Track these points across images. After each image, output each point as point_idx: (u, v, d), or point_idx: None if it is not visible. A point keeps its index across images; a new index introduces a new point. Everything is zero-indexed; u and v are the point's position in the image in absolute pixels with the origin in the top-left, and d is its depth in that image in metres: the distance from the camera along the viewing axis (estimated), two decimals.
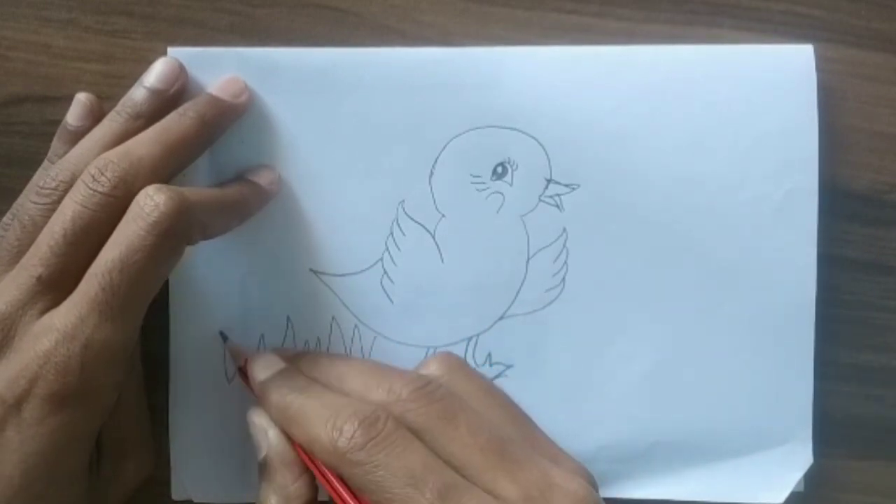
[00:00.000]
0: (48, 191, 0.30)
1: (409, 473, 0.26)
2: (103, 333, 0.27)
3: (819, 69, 0.34)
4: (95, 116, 0.33)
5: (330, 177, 0.34)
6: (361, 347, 0.35)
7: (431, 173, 0.34)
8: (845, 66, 0.35)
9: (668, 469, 0.35)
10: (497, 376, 0.35)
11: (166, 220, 0.28)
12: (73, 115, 0.33)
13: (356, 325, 0.35)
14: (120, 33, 0.35)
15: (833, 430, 0.35)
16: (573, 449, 0.34)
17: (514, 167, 0.34)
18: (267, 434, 0.30)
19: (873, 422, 0.36)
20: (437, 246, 0.34)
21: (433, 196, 0.34)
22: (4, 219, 0.31)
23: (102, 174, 0.29)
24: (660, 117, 0.34)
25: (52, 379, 0.27)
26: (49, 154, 0.33)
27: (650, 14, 0.35)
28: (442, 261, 0.35)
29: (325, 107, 0.34)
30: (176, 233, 0.28)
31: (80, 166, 0.30)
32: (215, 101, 0.32)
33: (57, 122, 0.33)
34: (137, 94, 0.32)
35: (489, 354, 0.35)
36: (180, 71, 0.33)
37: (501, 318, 0.35)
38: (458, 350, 0.35)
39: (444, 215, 0.34)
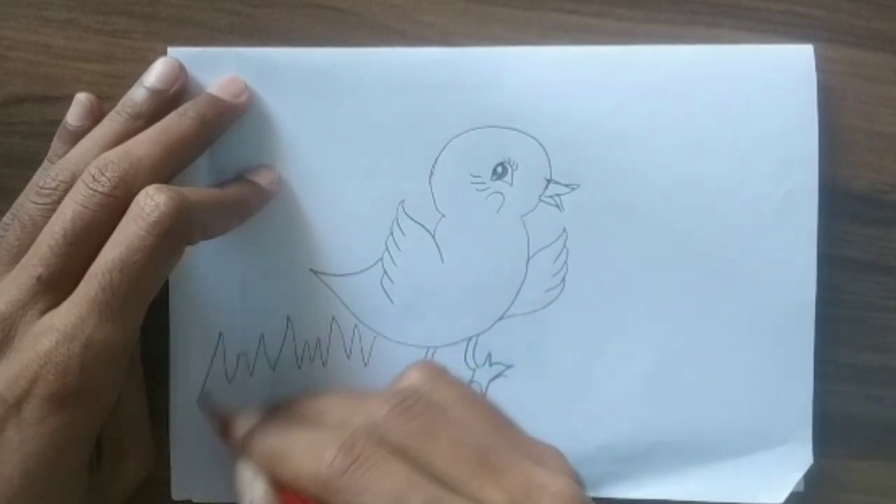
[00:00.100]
0: (48, 191, 0.30)
1: (394, 493, 0.25)
2: (103, 333, 0.27)
3: (819, 69, 0.34)
4: (95, 116, 0.33)
5: (330, 177, 0.34)
6: (361, 347, 0.35)
7: (431, 173, 0.34)
8: (845, 66, 0.35)
9: (668, 469, 0.35)
10: (497, 376, 0.35)
11: (166, 220, 0.28)
12: (73, 115, 0.33)
13: (356, 325, 0.35)
14: (120, 33, 0.35)
15: (833, 430, 0.35)
16: (573, 449, 0.34)
17: (514, 167, 0.34)
18: (253, 484, 0.29)
19: (873, 422, 0.36)
20: (437, 246, 0.34)
21: (433, 196, 0.34)
22: (4, 219, 0.31)
23: (102, 174, 0.29)
24: (660, 117, 0.34)
25: (52, 379, 0.27)
26: (49, 154, 0.33)
27: (650, 14, 0.35)
28: (442, 261, 0.35)
29: (325, 107, 0.34)
30: (176, 233, 0.28)
31: (80, 166, 0.30)
32: (215, 101, 0.32)
33: (57, 122, 0.33)
34: (137, 94, 0.32)
35: (489, 354, 0.35)
36: (180, 71, 0.33)
37: (501, 318, 0.35)
38: (458, 350, 0.35)
39: (444, 215, 0.34)
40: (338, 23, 0.35)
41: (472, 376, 0.35)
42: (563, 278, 0.35)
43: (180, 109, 0.32)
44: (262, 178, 0.33)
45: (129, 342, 0.29)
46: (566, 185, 0.34)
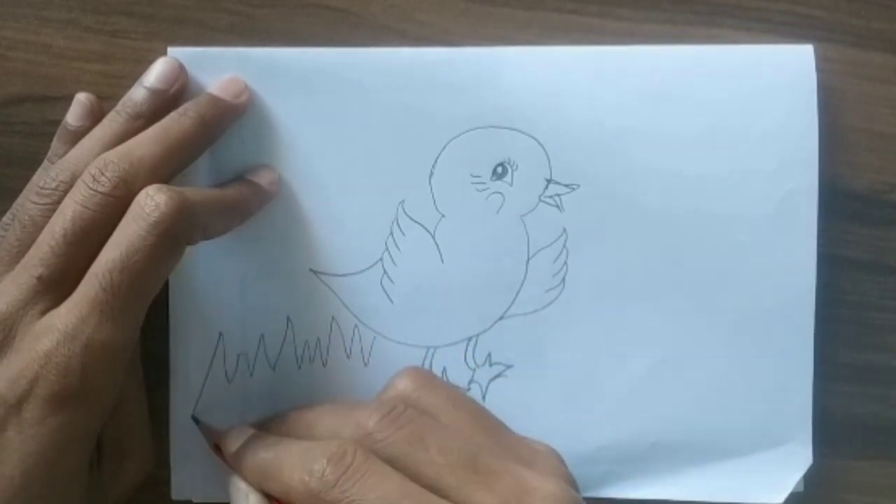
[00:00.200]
0: (48, 191, 0.30)
1: (385, 501, 0.26)
2: (104, 334, 0.27)
3: (819, 69, 0.34)
4: (95, 116, 0.33)
5: (330, 177, 0.34)
6: (361, 348, 0.35)
7: (431, 173, 0.34)
8: (845, 66, 0.35)
9: (668, 469, 0.35)
10: (497, 376, 0.35)
11: (167, 221, 0.28)
12: (73, 115, 0.33)
13: (356, 325, 0.35)
14: (120, 33, 0.35)
15: (833, 430, 0.35)
16: (573, 449, 0.34)
17: (514, 167, 0.34)
18: (248, 498, 0.29)
19: (873, 422, 0.36)
20: (437, 246, 0.34)
21: (433, 196, 0.34)
22: (4, 219, 0.31)
23: (103, 174, 0.29)
24: (660, 117, 0.34)
25: (52, 379, 0.27)
26: (49, 154, 0.33)
27: (650, 14, 0.35)
28: (442, 261, 0.35)
29: (325, 107, 0.34)
30: (176, 233, 0.28)
31: (80, 166, 0.30)
32: (215, 101, 0.32)
33: (57, 122, 0.33)
34: (137, 94, 0.32)
35: (489, 354, 0.35)
36: (180, 71, 0.33)
37: (501, 318, 0.35)
38: (458, 350, 0.35)
39: (444, 215, 0.34)
40: (338, 23, 0.35)
41: (472, 376, 0.35)
42: (563, 278, 0.35)
43: (180, 109, 0.32)
44: (262, 179, 0.33)
45: (129, 342, 0.29)
46: (566, 185, 0.34)
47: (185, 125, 0.31)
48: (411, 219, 0.34)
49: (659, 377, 0.34)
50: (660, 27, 0.35)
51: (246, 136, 0.34)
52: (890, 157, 0.35)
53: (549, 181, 0.34)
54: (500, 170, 0.34)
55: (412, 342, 0.35)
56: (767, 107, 0.34)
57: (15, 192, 0.32)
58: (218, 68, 0.33)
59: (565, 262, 0.35)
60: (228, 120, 0.33)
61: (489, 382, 0.35)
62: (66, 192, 0.29)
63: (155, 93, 0.32)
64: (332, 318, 0.35)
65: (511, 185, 0.34)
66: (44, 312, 0.28)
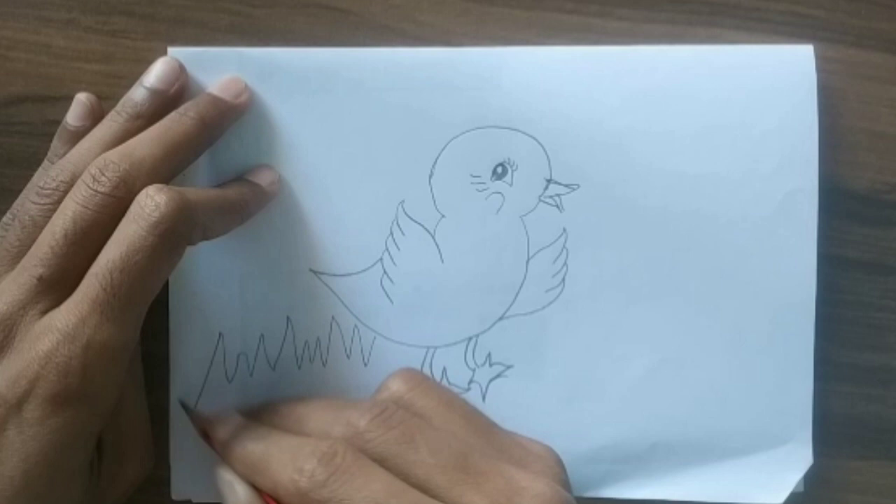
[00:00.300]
0: (48, 191, 0.30)
1: (373, 502, 0.26)
2: (104, 334, 0.27)
3: (819, 69, 0.34)
4: (95, 116, 0.33)
5: (330, 177, 0.34)
6: (361, 348, 0.35)
7: (431, 173, 0.34)
8: (845, 66, 0.35)
9: (668, 469, 0.35)
10: (497, 376, 0.35)
11: (167, 221, 0.28)
12: (73, 115, 0.33)
13: (356, 326, 0.35)
14: (120, 33, 0.35)
15: (833, 430, 0.35)
16: (573, 449, 0.34)
17: (514, 167, 0.34)
18: (234, 489, 0.30)
19: (873, 422, 0.36)
20: (437, 246, 0.35)
21: (433, 196, 0.34)
22: (4, 219, 0.31)
23: (103, 174, 0.29)
24: (660, 117, 0.34)
25: (53, 379, 0.27)
26: (49, 154, 0.33)
27: (650, 14, 0.35)
28: (442, 261, 0.35)
29: (325, 107, 0.34)
30: (177, 233, 0.28)
31: (81, 166, 0.30)
32: (216, 101, 0.32)
33: (57, 122, 0.33)
34: (137, 94, 0.32)
35: (489, 354, 0.35)
36: (180, 71, 0.33)
37: (501, 318, 0.35)
38: (458, 350, 0.35)
39: (444, 215, 0.34)
40: (338, 23, 0.35)
41: (472, 376, 0.35)
42: (563, 278, 0.35)
43: (181, 109, 0.32)
44: (263, 179, 0.33)
45: (129, 342, 0.29)
46: (566, 186, 0.34)
47: (186, 125, 0.31)
48: (411, 219, 0.34)
49: (659, 377, 0.34)
50: (660, 27, 0.35)
51: (246, 136, 0.34)
52: (890, 157, 0.35)
53: (549, 181, 0.34)
54: (500, 170, 0.34)
55: (412, 342, 0.35)
56: (767, 107, 0.34)
57: (15, 192, 0.32)
58: (218, 68, 0.33)
59: (565, 263, 0.35)
60: (228, 120, 0.33)
61: (489, 382, 0.35)
62: (66, 192, 0.29)
63: (155, 93, 0.32)
64: (332, 318, 0.35)
65: (511, 185, 0.34)
66: (44, 312, 0.28)
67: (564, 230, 0.34)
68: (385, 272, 0.34)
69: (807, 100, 0.34)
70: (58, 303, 0.28)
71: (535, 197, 0.34)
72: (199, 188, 0.33)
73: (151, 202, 0.28)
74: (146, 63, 0.33)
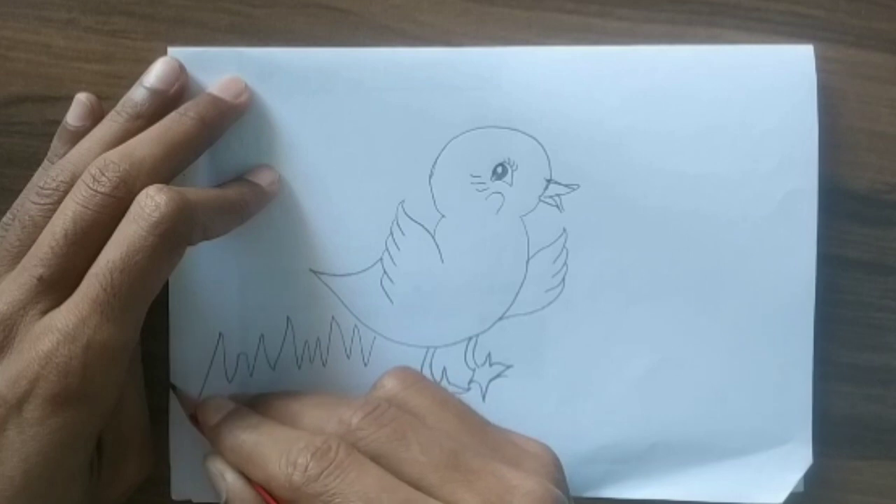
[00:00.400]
0: (48, 191, 0.30)
1: (365, 497, 0.26)
2: (104, 334, 0.27)
3: (819, 69, 0.34)
4: (95, 116, 0.33)
5: (330, 177, 0.34)
6: (361, 348, 0.35)
7: (431, 173, 0.34)
8: (845, 66, 0.35)
9: (668, 469, 0.35)
10: (497, 376, 0.35)
11: (167, 221, 0.28)
12: (73, 115, 0.33)
13: (356, 326, 0.35)
14: (120, 33, 0.35)
15: (833, 430, 0.35)
16: (573, 449, 0.34)
17: (514, 167, 0.34)
18: (224, 477, 0.30)
19: (873, 422, 0.36)
20: (437, 246, 0.35)
21: (433, 196, 0.34)
22: (4, 219, 0.31)
23: (103, 174, 0.29)
24: (660, 117, 0.34)
25: (53, 380, 0.27)
26: (49, 154, 0.33)
27: (650, 14, 0.35)
28: (442, 261, 0.35)
29: (325, 107, 0.34)
30: (177, 233, 0.28)
31: (81, 166, 0.30)
32: (216, 101, 0.32)
33: (57, 122, 0.33)
34: (137, 94, 0.32)
35: (489, 354, 0.35)
36: (180, 71, 0.33)
37: (501, 318, 0.35)
38: (458, 350, 0.35)
39: (444, 215, 0.34)
40: (338, 23, 0.35)
41: (472, 376, 0.35)
42: (563, 278, 0.35)
43: (181, 109, 0.32)
44: (263, 179, 0.33)
45: (129, 343, 0.29)
46: (566, 186, 0.34)
47: (186, 125, 0.31)
48: (411, 219, 0.34)
49: (659, 377, 0.34)
50: (660, 27, 0.35)
51: (246, 136, 0.34)
52: (890, 157, 0.35)
53: (549, 181, 0.34)
54: (500, 170, 0.34)
55: (412, 342, 0.35)
56: (767, 107, 0.34)
57: (15, 192, 0.32)
58: (218, 68, 0.33)
59: (565, 262, 0.35)
60: (228, 120, 0.33)
61: (489, 382, 0.35)
62: (66, 192, 0.29)
63: (155, 93, 0.32)
64: (332, 318, 0.35)
65: (511, 185, 0.34)
66: (44, 313, 0.28)
67: (564, 230, 0.34)
68: (385, 272, 0.34)
69: (807, 100, 0.34)
70: (58, 303, 0.28)
71: (535, 197, 0.34)
72: (199, 188, 0.33)
73: (151, 202, 0.28)
74: (146, 63, 0.33)
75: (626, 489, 0.35)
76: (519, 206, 0.34)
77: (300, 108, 0.34)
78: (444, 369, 0.35)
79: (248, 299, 0.35)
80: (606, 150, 0.34)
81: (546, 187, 0.34)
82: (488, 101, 0.34)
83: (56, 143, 0.33)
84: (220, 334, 0.35)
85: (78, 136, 0.32)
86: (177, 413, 0.34)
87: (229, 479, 0.30)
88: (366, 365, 0.35)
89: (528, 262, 0.34)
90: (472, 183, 0.34)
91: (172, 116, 0.31)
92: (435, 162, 0.34)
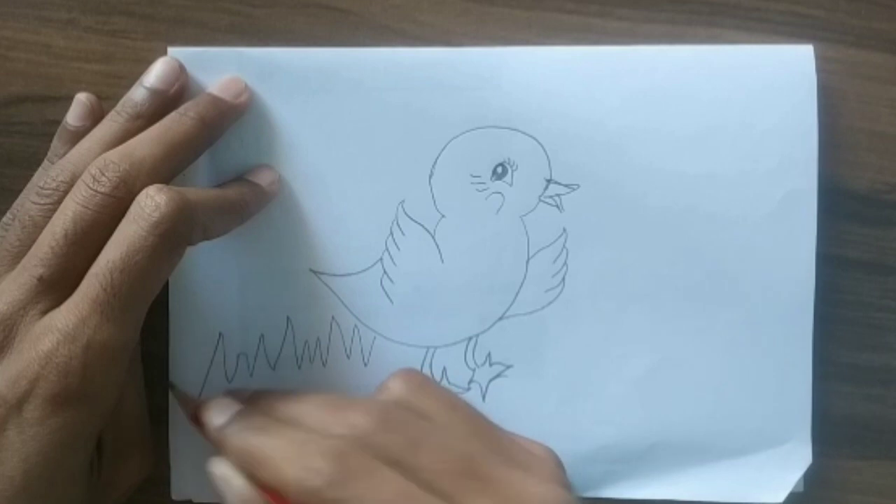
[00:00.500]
0: (48, 191, 0.30)
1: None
2: (104, 334, 0.27)
3: (819, 69, 0.34)
4: (95, 116, 0.33)
5: (330, 177, 0.34)
6: (361, 348, 0.35)
7: (431, 173, 0.34)
8: (845, 66, 0.35)
9: (668, 469, 0.35)
10: (497, 376, 0.35)
11: (167, 221, 0.28)
12: (73, 115, 0.33)
13: (356, 326, 0.35)
14: (120, 33, 0.35)
15: (833, 430, 0.35)
16: (572, 449, 0.34)
17: (514, 167, 0.34)
18: (231, 483, 0.28)
19: (873, 422, 0.36)
20: (437, 246, 0.35)
21: (433, 196, 0.34)
22: (4, 219, 0.31)
23: (103, 174, 0.29)
24: (660, 117, 0.34)
25: (53, 380, 0.27)
26: (49, 154, 0.33)
27: (650, 14, 0.35)
28: (442, 261, 0.35)
29: (325, 107, 0.34)
30: (177, 233, 0.28)
31: (81, 166, 0.30)
32: (216, 101, 0.32)
33: (57, 122, 0.33)
34: (137, 94, 0.32)
35: (489, 354, 0.35)
36: (180, 71, 0.33)
37: (501, 318, 0.35)
38: (458, 350, 0.35)
39: (444, 215, 0.34)
40: (338, 23, 0.35)
41: (472, 376, 0.35)
42: (563, 278, 0.35)
43: (181, 109, 0.31)
44: (263, 179, 0.33)
45: (129, 342, 0.29)
46: (566, 185, 0.34)
47: (186, 125, 0.31)
48: (411, 219, 0.34)
49: (659, 377, 0.34)
50: (660, 27, 0.35)
51: (246, 136, 0.34)
52: (890, 157, 0.35)
53: (549, 181, 0.34)
54: (500, 170, 0.34)
55: (412, 342, 0.35)
56: (767, 107, 0.34)
57: (15, 192, 0.32)
58: (218, 68, 0.33)
59: (565, 262, 0.35)
60: (228, 120, 0.33)
61: (489, 382, 0.35)
62: (66, 192, 0.29)
63: (155, 93, 0.32)
64: (332, 318, 0.35)
65: (511, 185, 0.34)
66: (44, 313, 0.28)
67: (564, 230, 0.34)
68: (385, 272, 0.34)
69: (807, 100, 0.34)
70: (58, 303, 0.28)
71: (535, 197, 0.34)
72: (199, 188, 0.33)
73: (151, 202, 0.28)
74: (146, 63, 0.33)
75: (626, 489, 0.35)
76: (519, 206, 0.34)
77: (300, 108, 0.34)
78: (444, 369, 0.35)
79: (248, 299, 0.35)
80: (606, 150, 0.34)
81: (546, 187, 0.34)
82: (488, 101, 0.34)
83: (56, 143, 0.33)
84: (220, 334, 0.35)
85: (78, 136, 0.32)
86: (177, 413, 0.34)
87: (237, 485, 0.28)
88: (366, 365, 0.35)
89: (528, 262, 0.34)
90: (472, 183, 0.34)
91: (172, 116, 0.31)
92: (435, 162, 0.34)
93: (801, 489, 0.35)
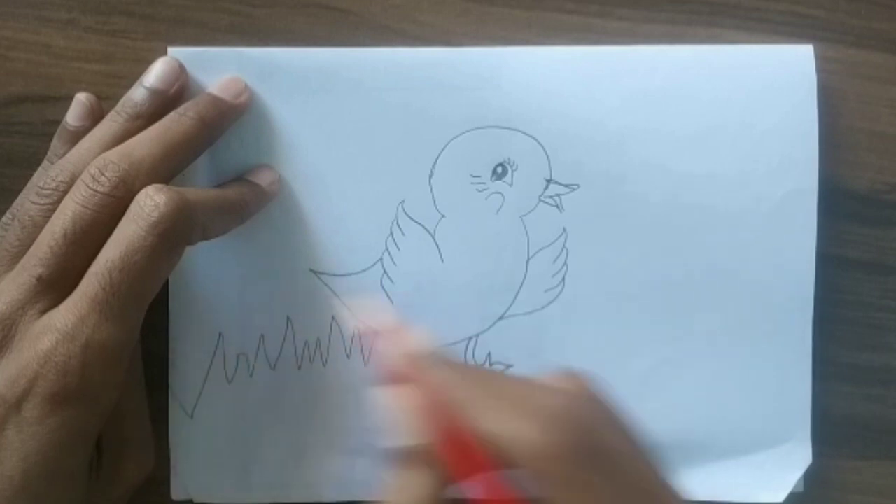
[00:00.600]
0: (48, 191, 0.30)
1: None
2: (103, 333, 0.27)
3: (819, 69, 0.34)
4: (95, 116, 0.33)
5: (330, 177, 0.34)
6: (361, 348, 0.35)
7: (431, 173, 0.34)
8: (845, 66, 0.35)
9: (668, 469, 0.35)
10: None
11: (166, 221, 0.28)
12: (73, 115, 0.33)
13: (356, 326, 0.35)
14: (120, 33, 0.35)
15: (833, 430, 0.35)
16: None
17: (514, 167, 0.34)
18: (415, 421, 0.25)
19: (873, 422, 0.36)
20: (437, 246, 0.35)
21: (433, 196, 0.34)
22: (4, 219, 0.31)
23: (102, 174, 0.29)
24: (660, 117, 0.34)
25: (52, 379, 0.27)
26: (49, 154, 0.33)
27: (650, 14, 0.35)
28: (442, 261, 0.35)
29: (325, 107, 0.34)
30: (176, 233, 0.28)
31: (80, 166, 0.30)
32: (215, 101, 0.32)
33: (57, 122, 0.33)
34: (137, 94, 0.32)
35: (489, 354, 0.35)
36: (180, 71, 0.33)
37: (501, 318, 0.35)
38: (458, 350, 0.35)
39: (444, 215, 0.34)
40: (338, 23, 0.35)
41: None
42: (563, 278, 0.35)
43: (180, 109, 0.31)
44: (263, 179, 0.33)
45: (129, 342, 0.29)
46: (566, 185, 0.34)
47: (185, 125, 0.31)
48: (411, 219, 0.34)
49: (659, 377, 0.34)
50: (660, 27, 0.35)
51: (246, 136, 0.34)
52: (890, 157, 0.35)
53: (549, 181, 0.34)
54: (500, 170, 0.34)
55: None
56: (767, 107, 0.34)
57: (15, 192, 0.32)
58: (218, 68, 0.33)
59: (565, 262, 0.35)
60: (228, 120, 0.33)
61: None
62: (65, 192, 0.29)
63: (155, 93, 0.32)
64: (332, 318, 0.35)
65: (511, 185, 0.34)
66: (43, 312, 0.28)
67: (564, 230, 0.34)
68: (385, 272, 0.34)
69: (807, 100, 0.34)
70: (57, 302, 0.28)
71: (535, 197, 0.34)
72: (198, 188, 0.33)
73: (151, 202, 0.28)
74: (146, 63, 0.33)
75: None
76: (519, 205, 0.34)
77: (300, 108, 0.34)
78: None
79: (248, 299, 0.34)
80: (606, 149, 0.34)
81: (546, 187, 0.34)
82: (488, 101, 0.34)
83: (56, 143, 0.33)
84: (220, 334, 0.35)
85: (78, 136, 0.32)
86: (177, 413, 0.34)
87: (428, 425, 0.25)
88: (366, 365, 0.35)
89: (528, 262, 0.34)
90: (472, 183, 0.34)
91: (172, 116, 0.31)
92: (435, 162, 0.34)
93: (801, 489, 0.35)
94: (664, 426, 0.34)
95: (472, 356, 0.35)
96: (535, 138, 0.34)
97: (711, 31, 0.35)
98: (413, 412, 0.26)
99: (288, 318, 0.35)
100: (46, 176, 0.30)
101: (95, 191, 0.28)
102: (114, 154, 0.29)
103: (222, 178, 0.34)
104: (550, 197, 0.34)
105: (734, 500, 0.35)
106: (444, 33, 0.35)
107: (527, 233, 0.34)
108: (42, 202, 0.30)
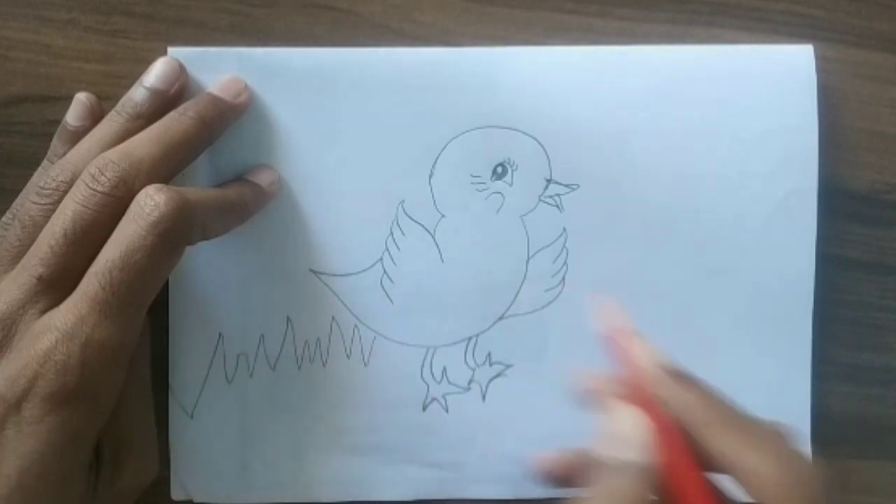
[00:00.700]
0: (48, 191, 0.30)
1: None
2: (103, 333, 0.27)
3: (819, 69, 0.34)
4: (95, 116, 0.33)
5: (330, 177, 0.34)
6: (361, 348, 0.35)
7: (431, 173, 0.34)
8: (845, 66, 0.35)
9: None
10: (497, 376, 0.35)
11: (166, 220, 0.28)
12: (73, 115, 0.33)
13: (356, 326, 0.35)
14: (120, 33, 0.35)
15: (833, 430, 0.35)
16: None
17: (514, 167, 0.34)
18: (636, 440, 0.26)
19: (873, 422, 0.36)
20: (437, 246, 0.35)
21: (433, 196, 0.34)
22: (4, 218, 0.31)
23: (102, 174, 0.29)
24: (660, 117, 0.34)
25: (51, 378, 0.27)
26: (49, 154, 0.33)
27: (650, 14, 0.35)
28: (442, 261, 0.35)
29: (325, 107, 0.34)
30: (176, 233, 0.28)
31: (80, 166, 0.30)
32: (215, 101, 0.32)
33: (57, 122, 0.33)
34: (137, 94, 0.32)
35: (489, 354, 0.35)
36: (180, 71, 0.33)
37: (501, 318, 0.35)
38: (458, 350, 0.35)
39: (444, 215, 0.34)
40: (338, 23, 0.35)
41: (472, 376, 0.35)
42: (563, 278, 0.35)
43: (180, 109, 0.31)
44: (262, 179, 0.33)
45: (128, 342, 0.29)
46: (566, 185, 0.34)
47: (185, 125, 0.31)
48: (411, 219, 0.34)
49: None
50: (660, 27, 0.35)
51: (246, 136, 0.34)
52: (890, 157, 0.35)
53: (549, 181, 0.34)
54: (500, 170, 0.34)
55: (412, 342, 0.35)
56: (767, 107, 0.34)
57: (15, 192, 0.32)
58: (218, 68, 0.33)
59: (565, 262, 0.35)
60: (228, 120, 0.33)
61: (489, 382, 0.35)
62: (66, 192, 0.29)
63: (155, 93, 0.32)
64: (332, 318, 0.35)
65: (511, 185, 0.34)
66: (43, 312, 0.28)
67: (564, 230, 0.34)
68: (385, 272, 0.34)
69: (807, 100, 0.34)
70: (57, 302, 0.28)
71: (535, 197, 0.34)
72: (198, 188, 0.33)
73: (151, 202, 0.28)
74: (146, 63, 0.33)
75: None
76: (519, 205, 0.34)
77: (300, 108, 0.34)
78: (444, 369, 0.35)
79: (248, 299, 0.34)
80: (606, 149, 0.34)
81: (546, 187, 0.34)
82: (488, 101, 0.34)
83: (56, 143, 0.33)
84: (219, 334, 0.35)
85: (78, 136, 0.32)
86: (177, 413, 0.34)
87: (641, 449, 0.25)
88: (366, 365, 0.35)
89: (528, 261, 0.34)
90: (472, 183, 0.34)
91: (172, 116, 0.31)
92: (435, 162, 0.34)
93: None
94: None
95: (472, 356, 0.35)
96: (535, 138, 0.34)
97: (711, 31, 0.35)
98: (644, 429, 0.26)
99: (288, 318, 0.35)
100: (46, 176, 0.30)
101: (95, 190, 0.28)
102: (114, 154, 0.29)
103: (222, 178, 0.34)
104: (550, 197, 0.34)
105: (734, 500, 0.35)
106: (444, 33, 0.35)
107: (527, 233, 0.34)
108: (42, 202, 0.30)
